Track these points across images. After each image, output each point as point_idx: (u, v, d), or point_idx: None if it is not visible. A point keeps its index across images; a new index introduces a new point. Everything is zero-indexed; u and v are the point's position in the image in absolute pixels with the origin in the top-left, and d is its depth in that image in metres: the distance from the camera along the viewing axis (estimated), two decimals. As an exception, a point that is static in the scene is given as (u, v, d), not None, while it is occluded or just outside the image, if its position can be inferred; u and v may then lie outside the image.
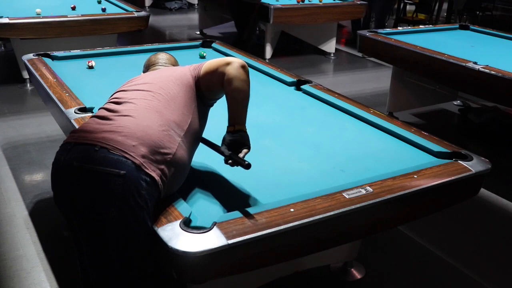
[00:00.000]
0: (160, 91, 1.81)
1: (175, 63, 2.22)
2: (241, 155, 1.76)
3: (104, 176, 1.57)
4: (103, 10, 5.22)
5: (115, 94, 1.90)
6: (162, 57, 2.20)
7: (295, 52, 7.15)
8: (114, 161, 1.58)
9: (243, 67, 1.81)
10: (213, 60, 1.88)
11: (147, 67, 2.19)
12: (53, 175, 1.70)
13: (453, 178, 1.98)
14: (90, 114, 2.33)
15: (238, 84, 1.78)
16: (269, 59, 6.35)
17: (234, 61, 1.81)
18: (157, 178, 1.63)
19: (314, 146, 2.30)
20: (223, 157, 1.81)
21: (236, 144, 1.78)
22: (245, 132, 1.81)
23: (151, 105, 1.75)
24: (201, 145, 1.97)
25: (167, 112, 1.75)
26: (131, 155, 1.59)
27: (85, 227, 1.65)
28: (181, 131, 1.76)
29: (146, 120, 1.69)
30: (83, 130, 1.71)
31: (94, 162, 1.58)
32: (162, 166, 1.65)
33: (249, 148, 1.80)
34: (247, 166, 1.69)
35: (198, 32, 7.82)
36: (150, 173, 1.61)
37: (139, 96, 1.80)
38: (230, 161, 1.77)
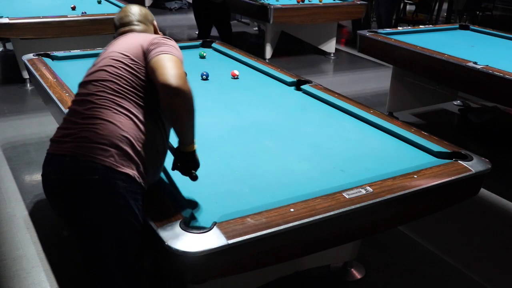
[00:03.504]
0: (117, 80, 1.70)
1: (146, 18, 2.02)
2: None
3: (79, 184, 1.61)
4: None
5: (78, 89, 1.80)
6: (133, 13, 2.00)
7: (295, 52, 7.15)
8: (85, 168, 1.59)
9: (181, 96, 1.57)
10: (160, 65, 1.63)
11: (117, 30, 2.00)
12: (43, 185, 1.74)
13: (453, 178, 1.98)
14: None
15: (174, 117, 1.63)
16: (269, 59, 6.35)
17: (172, 90, 1.56)
18: (132, 173, 1.63)
19: (314, 146, 2.29)
20: (222, 156, 1.82)
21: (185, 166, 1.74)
22: (194, 152, 1.71)
23: (109, 99, 1.68)
24: (199, 147, 1.96)
25: (126, 101, 1.68)
26: (100, 159, 1.59)
27: (75, 232, 1.73)
28: (144, 115, 1.69)
29: (108, 117, 1.65)
30: (56, 139, 1.71)
31: (67, 173, 1.62)
32: (136, 158, 1.65)
33: (197, 168, 1.74)
34: (194, 179, 1.72)
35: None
36: (124, 170, 1.61)
37: (97, 91, 1.70)
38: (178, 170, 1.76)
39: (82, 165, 1.59)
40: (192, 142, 1.70)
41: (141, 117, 1.68)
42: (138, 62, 1.73)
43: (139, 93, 1.71)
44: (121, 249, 1.67)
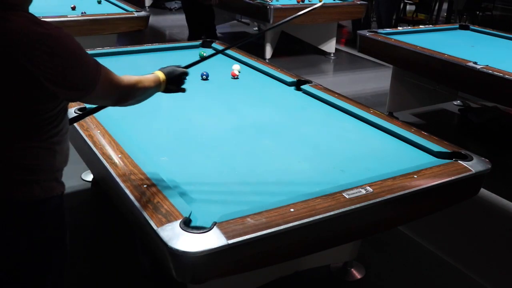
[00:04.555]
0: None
1: None
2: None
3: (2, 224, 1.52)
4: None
5: None
6: None
7: (295, 52, 7.15)
8: (6, 207, 1.50)
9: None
10: (103, 98, 1.61)
11: None
12: None
13: (453, 178, 1.98)
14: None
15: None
16: (269, 59, 6.35)
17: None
18: (54, 192, 1.57)
19: (314, 146, 2.29)
20: (222, 156, 1.81)
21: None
22: (167, 83, 1.81)
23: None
24: (199, 147, 1.96)
25: (18, 130, 1.45)
26: (18, 194, 1.50)
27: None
28: (40, 136, 1.48)
29: (9, 156, 1.46)
30: None
31: None
32: (51, 176, 1.55)
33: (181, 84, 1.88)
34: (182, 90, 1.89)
35: (198, 32, 7.82)
36: (45, 196, 1.54)
37: None
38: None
39: (2, 205, 1.50)
40: (160, 88, 1.78)
41: (41, 140, 1.48)
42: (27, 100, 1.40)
43: (29, 122, 1.45)
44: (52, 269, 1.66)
